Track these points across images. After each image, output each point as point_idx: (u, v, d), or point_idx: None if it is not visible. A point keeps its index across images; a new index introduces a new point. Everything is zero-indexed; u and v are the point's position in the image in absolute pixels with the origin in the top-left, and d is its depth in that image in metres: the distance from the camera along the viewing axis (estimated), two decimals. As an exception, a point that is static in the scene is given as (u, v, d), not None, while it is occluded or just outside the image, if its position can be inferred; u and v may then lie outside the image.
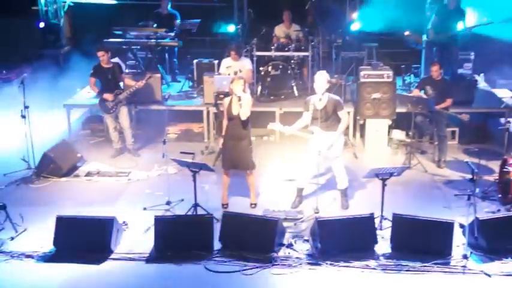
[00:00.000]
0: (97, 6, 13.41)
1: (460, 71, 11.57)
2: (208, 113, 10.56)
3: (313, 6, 12.20)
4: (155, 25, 11.99)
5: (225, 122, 7.99)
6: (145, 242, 7.20)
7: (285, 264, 6.77)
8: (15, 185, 8.91)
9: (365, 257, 6.85)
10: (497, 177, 8.51)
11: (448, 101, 9.31)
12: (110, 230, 7.04)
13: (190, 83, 11.93)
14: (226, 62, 10.28)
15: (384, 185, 7.37)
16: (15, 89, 9.52)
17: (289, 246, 7.11)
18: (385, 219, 7.41)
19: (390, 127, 10.30)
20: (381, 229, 7.32)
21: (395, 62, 11.50)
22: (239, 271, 6.68)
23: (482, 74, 12.07)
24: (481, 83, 11.82)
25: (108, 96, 9.60)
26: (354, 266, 6.71)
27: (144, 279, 6.62)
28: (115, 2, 13.55)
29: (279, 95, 11.02)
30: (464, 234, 7.04)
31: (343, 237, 6.95)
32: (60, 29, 13.36)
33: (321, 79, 7.73)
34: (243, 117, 7.72)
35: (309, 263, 6.79)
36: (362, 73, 10.18)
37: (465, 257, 6.75)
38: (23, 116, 9.12)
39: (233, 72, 10.02)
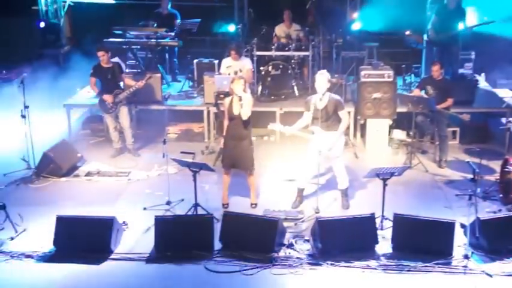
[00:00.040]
0: (97, 6, 13.40)
1: (460, 70, 11.56)
2: (208, 112, 10.55)
3: (313, 5, 12.18)
4: (155, 25, 11.98)
5: (225, 122, 7.98)
6: (146, 242, 7.18)
7: (285, 265, 6.75)
8: (15, 185, 8.90)
9: (366, 257, 6.83)
10: (498, 177, 8.49)
11: (449, 101, 9.30)
12: (110, 230, 7.03)
13: (191, 83, 11.92)
14: (227, 61, 10.28)
15: (384, 185, 7.36)
16: (15, 89, 9.51)
17: (290, 246, 7.09)
18: (386, 219, 7.39)
19: (391, 127, 10.28)
20: (381, 229, 7.30)
21: (395, 62, 11.50)
22: (239, 271, 6.66)
23: (483, 74, 12.06)
24: (482, 82, 11.80)
25: (107, 97, 9.58)
26: (354, 266, 6.69)
27: (144, 279, 6.61)
28: (115, 2, 13.54)
29: (280, 94, 11.01)
30: (465, 234, 7.01)
31: (344, 237, 6.94)
32: (60, 28, 13.35)
33: (322, 79, 7.71)
34: (244, 117, 7.70)
35: (309, 263, 6.77)
36: (362, 73, 10.16)
37: (466, 257, 6.73)
38: (23, 116, 9.11)
39: (233, 72, 10.01)
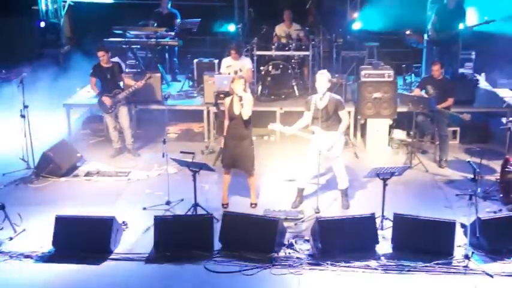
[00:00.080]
0: (97, 5, 13.39)
1: (461, 70, 11.55)
2: (208, 112, 10.54)
3: (313, 5, 12.17)
4: (155, 24, 11.96)
5: (226, 122, 7.96)
6: (145, 242, 7.17)
7: (285, 265, 6.73)
8: (14, 184, 8.89)
9: (366, 257, 6.82)
10: (498, 177, 8.47)
11: (449, 101, 9.28)
12: (110, 230, 7.01)
13: (191, 83, 11.92)
14: (227, 61, 10.27)
15: (385, 185, 7.35)
16: (14, 89, 9.49)
17: (290, 246, 7.07)
18: (386, 219, 7.37)
19: (391, 127, 10.27)
20: (382, 229, 7.29)
21: (396, 62, 11.50)
22: (239, 271, 6.64)
23: (483, 74, 12.04)
24: (482, 82, 11.79)
25: (106, 100, 9.57)
26: (354, 266, 6.67)
27: (143, 279, 6.59)
28: (115, 1, 13.52)
29: (280, 94, 10.99)
30: (465, 234, 6.99)
31: (344, 237, 6.92)
32: (60, 28, 13.33)
33: (322, 79, 7.70)
34: (245, 117, 7.68)
35: (309, 263, 6.75)
36: (363, 72, 10.14)
37: (467, 257, 6.71)
38: (22, 116, 9.10)
39: (233, 72, 10.01)
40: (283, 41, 11.51)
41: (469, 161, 7.30)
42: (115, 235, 7.12)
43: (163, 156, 7.93)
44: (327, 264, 6.68)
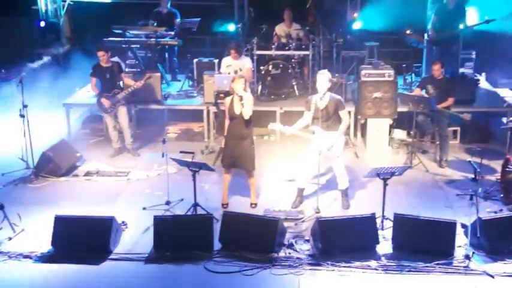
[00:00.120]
0: (97, 5, 13.38)
1: (461, 70, 11.53)
2: (208, 112, 10.52)
3: (313, 5, 12.15)
4: (155, 24, 11.94)
5: (226, 122, 7.94)
6: (145, 242, 7.15)
7: (285, 265, 6.71)
8: (13, 184, 8.87)
9: (366, 257, 6.80)
10: (499, 177, 8.45)
11: (450, 100, 9.26)
12: (109, 230, 6.99)
13: (190, 82, 11.89)
14: (227, 60, 10.26)
15: (385, 185, 7.33)
16: (14, 88, 9.47)
17: (290, 246, 7.05)
18: (387, 219, 7.35)
19: (391, 126, 10.25)
20: (382, 229, 7.27)
21: (396, 61, 11.48)
22: (239, 271, 6.63)
23: (483, 73, 12.02)
24: (483, 82, 11.77)
25: (105, 99, 9.56)
26: (355, 267, 6.66)
27: (143, 279, 6.57)
28: (115, 1, 13.50)
29: (280, 94, 10.98)
30: (466, 234, 6.98)
31: (344, 237, 6.90)
32: (60, 28, 13.31)
33: (323, 78, 7.68)
34: (246, 117, 7.66)
35: (309, 264, 6.73)
36: (363, 72, 10.12)
37: (467, 257, 6.70)
38: (22, 115, 9.08)
39: (233, 71, 10.00)
40: (283, 40, 11.49)
41: (469, 161, 7.29)
42: (114, 235, 7.10)
43: (163, 156, 7.92)
44: (327, 264, 6.67)
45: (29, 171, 9.13)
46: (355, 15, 12.33)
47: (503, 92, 11.43)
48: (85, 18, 13.28)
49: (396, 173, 7.40)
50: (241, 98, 7.62)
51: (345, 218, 7.24)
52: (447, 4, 10.86)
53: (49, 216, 7.25)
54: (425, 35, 11.42)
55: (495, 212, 7.65)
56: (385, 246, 7.01)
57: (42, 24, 12.98)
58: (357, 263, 6.69)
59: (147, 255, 6.93)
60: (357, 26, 12.26)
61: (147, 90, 10.31)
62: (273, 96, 10.94)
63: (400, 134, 10.25)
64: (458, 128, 10.40)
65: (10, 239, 7.25)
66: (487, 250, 6.80)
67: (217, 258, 6.85)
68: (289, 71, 10.96)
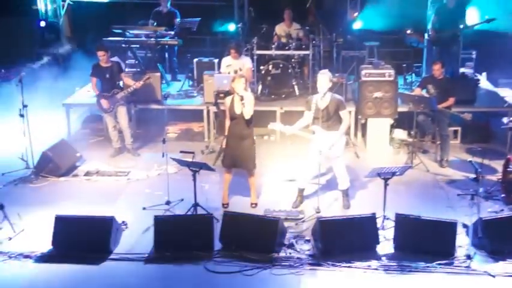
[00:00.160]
0: (97, 5, 13.37)
1: (461, 69, 11.51)
2: (208, 112, 10.51)
3: (314, 4, 12.14)
4: (155, 24, 11.92)
5: (227, 122, 7.92)
6: (145, 242, 7.13)
7: (286, 265, 6.69)
8: (13, 184, 8.85)
9: (367, 257, 6.78)
10: (500, 177, 8.43)
11: (451, 100, 9.25)
12: (109, 230, 6.98)
13: (190, 82, 11.88)
14: (227, 60, 10.25)
15: (386, 185, 7.30)
16: (14, 88, 9.45)
17: (290, 246, 7.03)
18: (387, 219, 7.34)
19: (392, 126, 10.23)
20: (383, 229, 7.25)
21: (396, 61, 11.46)
22: (239, 271, 6.61)
23: (484, 73, 12.01)
24: (483, 82, 11.76)
25: (104, 99, 9.54)
26: (355, 267, 6.64)
27: (143, 279, 6.56)
28: (114, 1, 13.48)
29: (280, 94, 10.96)
30: (467, 234, 6.97)
31: (345, 237, 6.89)
32: (59, 28, 13.30)
33: (324, 78, 7.66)
34: (247, 117, 7.65)
35: (310, 264, 6.72)
36: (363, 72, 10.11)
37: (469, 257, 6.68)
38: (21, 115, 9.06)
39: (233, 71, 10.00)
40: (283, 40, 11.48)
41: (470, 161, 7.29)
42: (115, 235, 7.09)
43: (163, 156, 7.91)
44: (328, 264, 6.65)
45: (29, 171, 9.12)
46: (355, 14, 12.31)
47: (504, 92, 11.42)
48: (85, 18, 13.26)
49: (397, 173, 7.39)
50: (242, 98, 7.60)
51: (345, 218, 7.23)
52: (447, 4, 10.85)
53: (49, 216, 7.23)
54: (426, 35, 11.41)
55: (496, 212, 7.63)
56: (386, 246, 6.99)
57: (43, 24, 12.97)
58: (358, 263, 6.67)
59: (147, 255, 6.91)
60: (357, 25, 12.24)
61: (147, 90, 10.30)
62: (273, 96, 10.92)
63: (400, 134, 10.24)
64: (459, 128, 10.39)
65: (10, 238, 7.23)
66: (488, 250, 6.78)
67: (217, 258, 6.83)
68: (289, 70, 10.94)
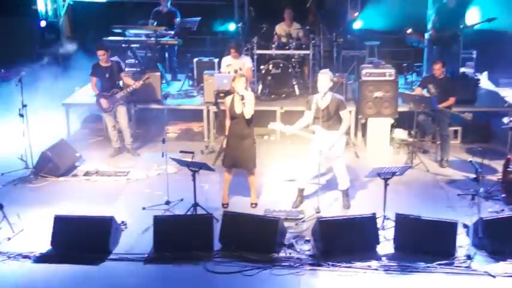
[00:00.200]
0: (97, 5, 13.35)
1: (462, 69, 11.50)
2: (208, 112, 10.50)
3: (314, 4, 12.13)
4: (155, 23, 11.90)
5: (227, 121, 7.90)
6: (145, 242, 7.11)
7: (286, 265, 6.67)
8: (12, 184, 8.83)
9: (367, 257, 6.77)
10: (500, 177, 8.41)
11: (451, 100, 9.23)
12: (109, 230, 6.97)
13: (190, 82, 11.86)
14: (227, 60, 10.24)
15: (386, 185, 7.28)
16: (13, 88, 9.44)
17: (290, 246, 7.02)
18: (388, 219, 7.32)
19: (392, 126, 10.22)
20: (383, 229, 7.23)
21: (397, 61, 11.45)
22: (239, 272, 6.59)
23: (485, 73, 11.99)
24: (484, 81, 11.74)
25: (103, 99, 9.53)
26: (356, 267, 6.62)
27: (143, 280, 6.54)
28: (114, 0, 13.47)
29: (280, 93, 10.95)
30: (468, 234, 6.95)
31: (345, 237, 6.87)
32: (59, 28, 13.28)
33: (324, 78, 7.64)
34: (248, 116, 7.63)
35: (310, 264, 6.70)
36: (364, 71, 10.09)
37: (469, 257, 6.66)
38: (21, 115, 9.05)
39: (233, 71, 9.99)
40: (284, 40, 11.47)
41: (470, 161, 7.28)
42: (114, 235, 7.07)
43: (162, 155, 7.89)
44: (328, 264, 6.63)
45: (28, 171, 9.10)
46: (356, 14, 12.30)
47: (504, 92, 11.40)
48: (85, 17, 13.25)
49: (397, 173, 7.37)
50: (242, 97, 7.58)
51: (345, 218, 7.21)
52: (448, 3, 10.82)
53: (48, 216, 7.21)
54: (426, 35, 11.39)
55: (497, 212, 7.61)
56: (386, 247, 6.97)
57: (43, 24, 12.96)
58: (358, 264, 6.65)
59: (146, 255, 6.89)
60: (357, 25, 12.23)
61: (146, 90, 10.28)
62: (273, 96, 10.91)
63: (400, 133, 10.23)
64: (459, 128, 10.37)
65: (9, 239, 7.21)
66: (489, 250, 6.76)
67: (217, 258, 6.81)
68: (290, 70, 10.93)
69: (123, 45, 11.73)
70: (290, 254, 6.89)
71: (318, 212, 7.75)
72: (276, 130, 9.25)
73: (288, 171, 8.96)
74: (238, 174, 8.16)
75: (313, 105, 7.68)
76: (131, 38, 11.75)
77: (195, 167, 7.49)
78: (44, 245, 7.01)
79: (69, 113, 10.86)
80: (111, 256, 6.90)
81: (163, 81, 11.56)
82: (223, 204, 8.03)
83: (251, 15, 12.87)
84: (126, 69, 11.27)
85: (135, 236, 7.35)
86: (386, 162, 9.06)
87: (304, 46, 11.19)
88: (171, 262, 6.77)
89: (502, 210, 7.73)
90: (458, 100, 9.46)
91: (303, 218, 7.69)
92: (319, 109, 7.66)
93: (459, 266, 6.59)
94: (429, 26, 11.16)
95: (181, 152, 8.01)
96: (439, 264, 6.57)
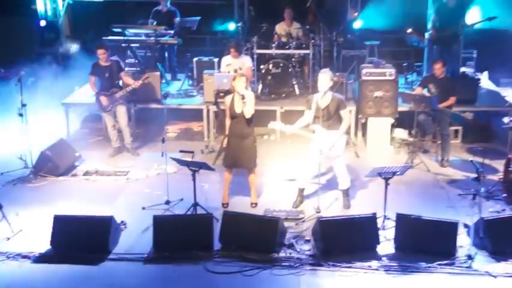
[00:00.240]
0: (96, 4, 13.34)
1: (462, 69, 11.48)
2: (208, 111, 10.48)
3: (314, 4, 12.11)
4: (155, 23, 11.88)
5: (227, 121, 7.88)
6: (144, 242, 7.09)
7: (286, 265, 6.66)
8: (12, 184, 8.82)
9: (367, 257, 6.75)
10: (501, 177, 8.39)
11: (452, 99, 9.21)
12: (108, 230, 6.95)
13: (190, 81, 11.85)
14: (226, 59, 10.23)
15: (386, 185, 7.26)
16: (13, 88, 9.42)
17: (291, 246, 7.00)
18: (388, 219, 7.30)
19: (392, 126, 10.20)
20: (383, 229, 7.21)
21: (397, 60, 11.43)
22: (239, 272, 6.57)
23: (485, 72, 11.98)
24: (485, 81, 11.72)
25: (103, 98, 9.51)
26: (356, 267, 6.60)
27: (142, 280, 6.52)
28: (111, 0, 13.48)
29: (280, 93, 10.93)
30: (468, 234, 6.93)
31: (345, 237, 6.86)
32: (59, 27, 13.27)
33: (324, 77, 7.62)
34: (248, 116, 7.61)
35: (310, 264, 6.68)
36: (364, 71, 10.07)
37: (470, 257, 6.65)
38: (20, 114, 9.03)
39: (233, 70, 9.98)
40: (284, 39, 11.45)
41: (471, 161, 7.25)
42: (114, 235, 7.06)
43: (162, 155, 7.87)
44: (328, 264, 6.61)
45: (28, 170, 9.08)
46: (356, 14, 12.29)
47: (505, 92, 11.38)
48: (84, 17, 13.23)
49: (397, 173, 7.35)
50: (243, 97, 7.56)
51: (345, 218, 7.20)
52: (448, 3, 10.80)
53: (48, 215, 7.20)
54: (426, 34, 11.37)
55: (498, 212, 7.61)
56: (386, 247, 6.95)
57: (43, 23, 12.95)
58: (358, 264, 6.63)
59: (146, 255, 6.88)
60: (357, 25, 12.21)
61: (146, 90, 10.26)
62: (273, 96, 10.89)
63: (401, 133, 10.22)
64: (460, 128, 10.36)
65: (8, 239, 7.19)
66: (490, 250, 6.75)
67: (217, 258, 6.79)
68: (290, 70, 10.91)
69: (123, 45, 11.71)
70: (290, 254, 6.87)
71: (318, 212, 7.73)
72: (276, 130, 9.24)
73: (288, 171, 8.94)
74: (238, 174, 8.14)
75: (313, 105, 7.67)
76: (131, 38, 11.73)
77: (195, 167, 7.48)
78: (44, 244, 6.99)
79: (69, 112, 10.83)
80: (111, 256, 6.88)
81: (163, 81, 11.54)
82: (223, 204, 8.01)
83: (251, 14, 12.86)
84: (126, 68, 11.24)
85: (135, 235, 7.33)
86: (387, 161, 9.03)
87: (304, 46, 11.17)
88: (171, 262, 6.75)
89: (503, 210, 7.73)
90: (459, 100, 9.44)
91: (303, 217, 7.67)
92: (319, 108, 7.64)
93: (460, 266, 6.57)
94: (429, 25, 11.14)
95: (181, 151, 7.99)
96: (440, 264, 6.56)
